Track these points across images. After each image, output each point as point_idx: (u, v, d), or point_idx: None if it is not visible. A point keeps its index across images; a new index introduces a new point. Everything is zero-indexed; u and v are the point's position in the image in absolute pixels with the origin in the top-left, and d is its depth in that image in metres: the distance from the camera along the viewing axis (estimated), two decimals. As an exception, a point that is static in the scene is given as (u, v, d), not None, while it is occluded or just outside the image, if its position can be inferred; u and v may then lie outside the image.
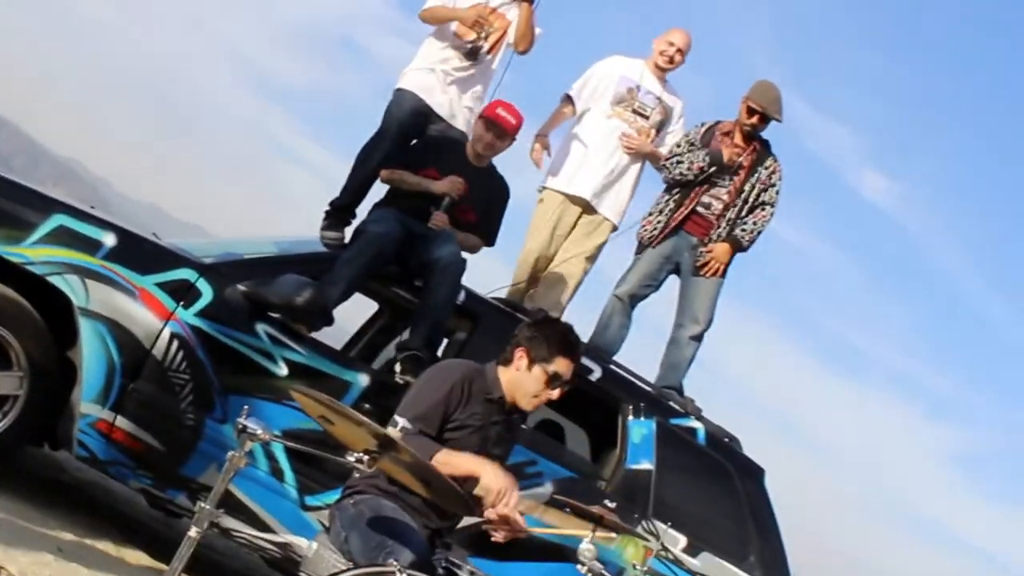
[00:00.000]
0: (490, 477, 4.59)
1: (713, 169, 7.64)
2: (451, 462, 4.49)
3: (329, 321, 6.21)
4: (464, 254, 6.57)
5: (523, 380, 4.88)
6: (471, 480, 4.57)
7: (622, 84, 7.90)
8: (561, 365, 4.88)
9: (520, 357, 4.88)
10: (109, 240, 5.87)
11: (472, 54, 7.18)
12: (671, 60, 7.93)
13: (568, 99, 8.03)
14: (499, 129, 6.85)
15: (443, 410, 4.70)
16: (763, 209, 7.74)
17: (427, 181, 6.74)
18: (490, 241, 6.99)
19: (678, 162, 7.72)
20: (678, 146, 7.83)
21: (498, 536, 4.76)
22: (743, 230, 7.66)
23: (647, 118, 7.87)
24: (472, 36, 7.17)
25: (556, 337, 4.94)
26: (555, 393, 4.91)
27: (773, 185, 7.77)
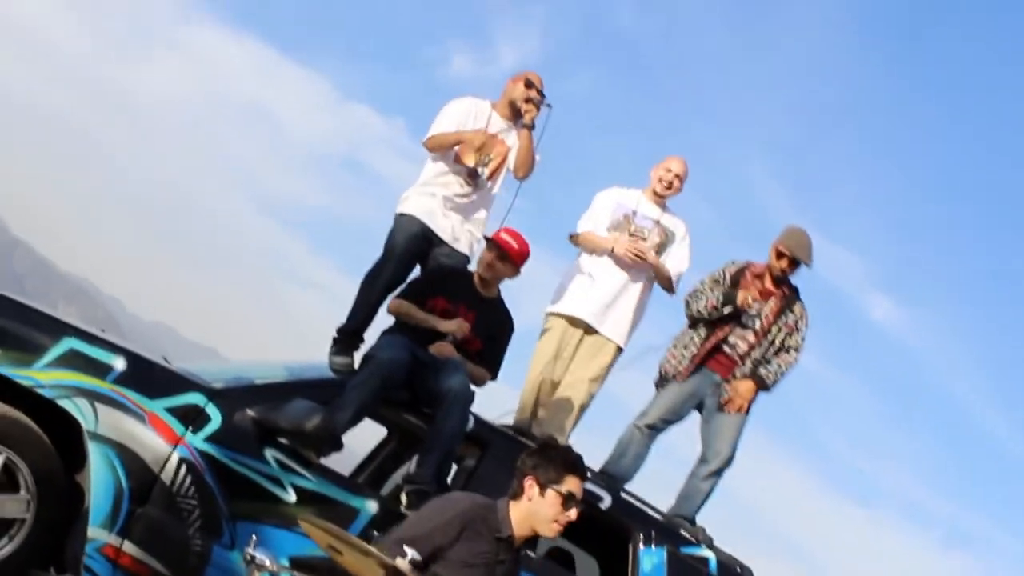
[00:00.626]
0: None
1: (728, 310, 7.67)
2: None
3: (338, 447, 6.20)
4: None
5: (538, 508, 4.84)
6: None
7: (618, 211, 7.94)
8: (572, 484, 4.86)
9: (530, 486, 4.85)
10: (119, 364, 5.87)
11: (472, 178, 7.23)
12: (669, 186, 7.95)
13: (572, 238, 8.07)
14: (500, 251, 6.88)
15: (434, 541, 4.61)
16: (788, 353, 7.77)
17: (434, 319, 6.74)
18: (494, 373, 6.96)
19: (697, 298, 7.77)
20: (702, 283, 7.88)
21: None
22: (767, 370, 7.67)
23: (644, 240, 7.87)
24: (472, 162, 7.22)
25: (560, 458, 4.92)
26: (573, 514, 4.87)
27: (799, 330, 7.80)
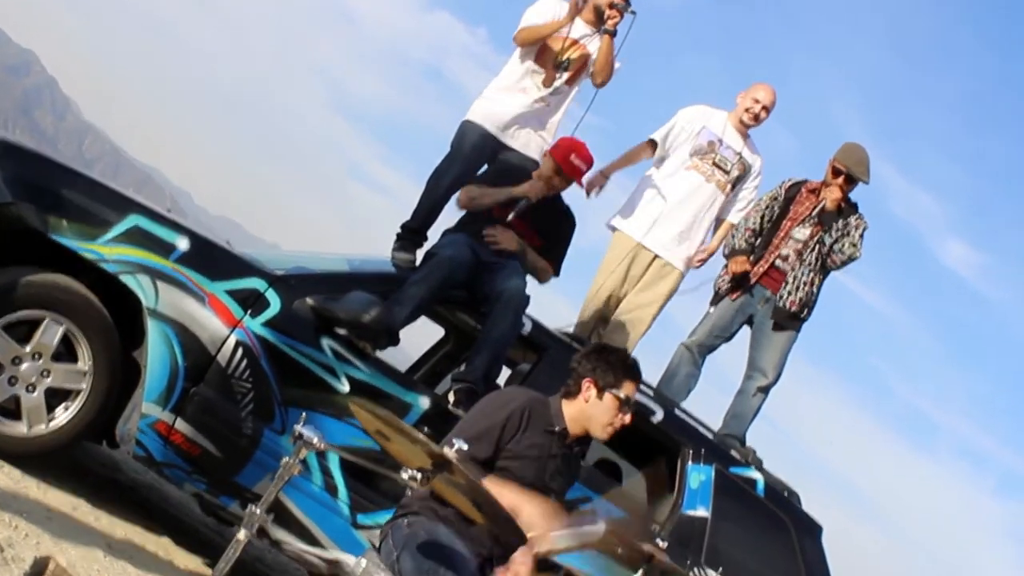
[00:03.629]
0: (527, 517, 4.48)
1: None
2: (495, 492, 4.44)
3: (395, 341, 6.24)
4: (531, 283, 6.62)
5: (594, 411, 4.88)
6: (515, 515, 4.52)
7: (703, 136, 7.89)
8: (629, 388, 4.91)
9: (588, 388, 4.87)
10: (182, 244, 5.93)
11: (549, 82, 7.22)
12: (756, 117, 7.90)
13: (651, 144, 8.01)
14: (567, 177, 6.90)
15: (497, 436, 4.68)
16: (847, 246, 7.66)
17: (505, 189, 6.80)
18: (556, 268, 6.99)
19: (733, 235, 7.86)
20: (760, 203, 7.85)
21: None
22: (832, 251, 7.64)
23: (727, 172, 7.86)
24: (551, 66, 7.21)
25: (620, 362, 4.96)
26: (628, 418, 4.92)
27: (854, 232, 7.67)
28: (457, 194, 6.93)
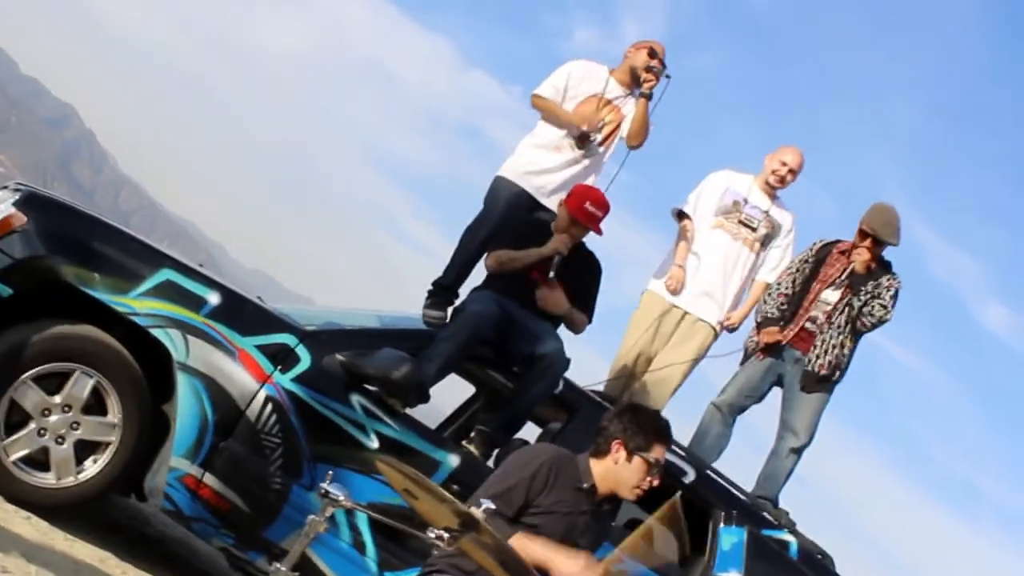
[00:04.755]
0: (563, 566, 4.50)
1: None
2: (525, 547, 4.40)
3: (425, 398, 6.23)
4: (565, 335, 6.62)
5: (622, 472, 4.84)
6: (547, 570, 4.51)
7: (727, 196, 7.94)
8: (659, 452, 4.87)
9: (617, 449, 4.83)
10: (213, 299, 5.96)
11: (583, 142, 7.23)
12: (782, 180, 7.95)
13: (686, 215, 8.04)
14: (583, 226, 6.83)
15: (525, 493, 4.65)
16: (874, 307, 7.59)
17: (534, 251, 6.78)
18: (589, 316, 6.96)
19: (765, 301, 7.81)
20: (791, 266, 7.84)
21: None
22: (862, 313, 7.58)
23: (754, 230, 7.89)
24: (586, 126, 7.22)
25: (650, 424, 4.92)
26: (656, 480, 4.88)
27: (885, 293, 7.60)
28: (486, 258, 6.92)
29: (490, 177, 7.36)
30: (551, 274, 6.75)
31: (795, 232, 8.10)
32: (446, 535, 3.79)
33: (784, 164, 7.92)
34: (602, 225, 6.90)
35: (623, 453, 4.83)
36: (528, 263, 6.77)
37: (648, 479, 4.86)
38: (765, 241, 7.94)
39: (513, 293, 6.66)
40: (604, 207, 6.91)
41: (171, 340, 5.79)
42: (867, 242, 7.61)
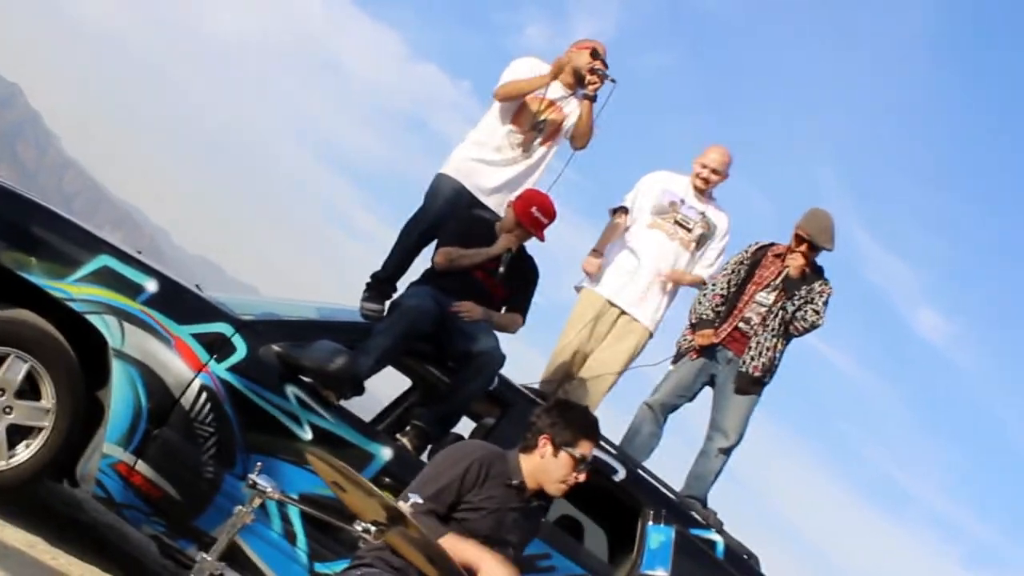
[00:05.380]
0: (491, 568, 4.49)
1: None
2: (454, 548, 4.39)
3: (360, 390, 6.25)
4: (502, 337, 6.64)
5: (549, 466, 4.85)
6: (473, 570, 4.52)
7: (664, 197, 7.98)
8: (585, 448, 4.87)
9: (544, 444, 4.85)
10: (151, 286, 5.95)
11: (527, 144, 7.26)
12: (706, 181, 7.97)
13: (623, 210, 8.09)
14: (527, 230, 6.88)
15: (456, 490, 4.65)
16: (810, 313, 7.66)
17: (484, 250, 6.82)
18: (523, 317, 7.01)
19: (703, 297, 7.85)
20: (726, 267, 7.90)
21: None
22: (795, 318, 7.66)
23: (689, 230, 7.93)
24: (527, 127, 7.25)
25: (578, 420, 4.93)
26: (582, 476, 4.88)
27: (818, 299, 7.67)
28: (435, 256, 6.91)
29: (437, 170, 7.35)
30: (501, 269, 6.79)
31: (730, 233, 8.14)
32: (373, 528, 3.80)
33: (705, 166, 7.96)
34: (546, 232, 6.96)
35: (550, 448, 4.84)
36: (477, 261, 6.79)
37: (574, 475, 4.87)
38: (700, 241, 7.98)
39: (451, 289, 6.68)
40: (550, 214, 6.94)
41: (107, 326, 5.78)
42: (802, 247, 7.67)
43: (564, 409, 5.06)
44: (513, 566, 4.61)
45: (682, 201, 7.97)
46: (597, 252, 8.01)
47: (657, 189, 8.02)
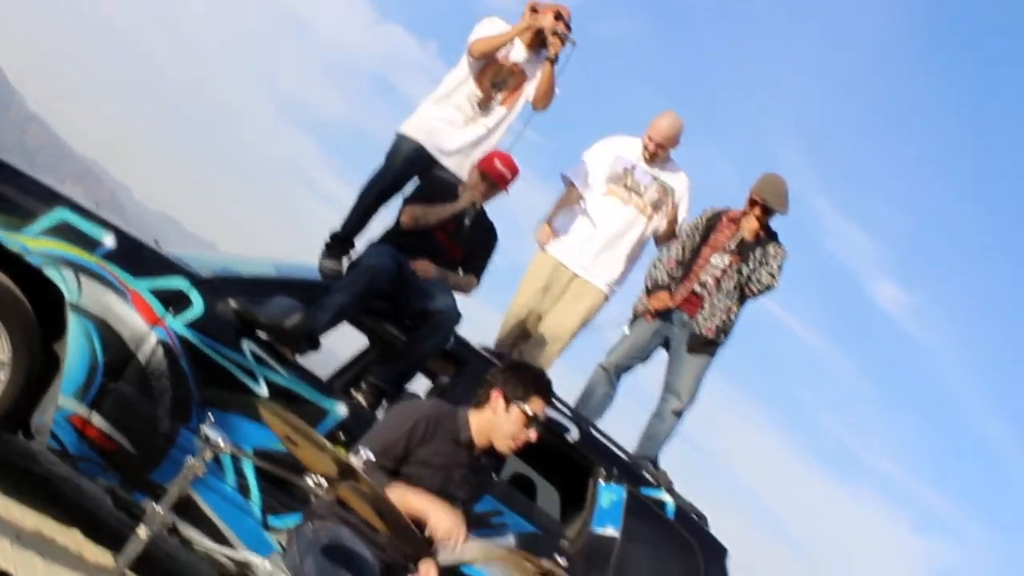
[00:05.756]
0: (437, 520, 4.52)
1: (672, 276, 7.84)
2: (402, 499, 4.42)
3: (315, 346, 6.28)
4: (459, 297, 6.68)
5: (500, 422, 4.87)
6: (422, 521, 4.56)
7: (618, 164, 8.01)
8: (537, 405, 4.89)
9: (496, 399, 4.88)
10: (109, 240, 5.94)
11: (486, 103, 7.29)
12: (653, 155, 7.99)
13: (570, 182, 8.13)
14: (492, 182, 6.99)
15: (404, 445, 4.69)
16: (765, 275, 7.76)
17: (448, 206, 6.88)
18: (478, 279, 7.09)
19: (655, 267, 7.95)
20: (682, 233, 7.97)
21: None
22: (750, 280, 7.74)
23: (641, 195, 7.97)
24: (488, 86, 7.29)
25: (531, 378, 4.96)
26: (533, 435, 4.90)
27: (772, 261, 7.78)
28: (400, 216, 6.96)
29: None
30: (466, 222, 6.86)
31: (689, 196, 8.17)
32: (324, 482, 3.84)
33: (651, 139, 7.98)
34: (510, 187, 7.03)
35: (502, 403, 4.88)
36: (443, 218, 6.84)
37: (525, 432, 4.90)
38: (657, 206, 8.01)
39: (410, 248, 6.72)
40: (513, 169, 7.04)
41: (64, 280, 5.76)
42: (756, 210, 7.75)
43: (518, 367, 5.13)
44: (460, 514, 4.66)
45: (634, 167, 8.01)
46: (548, 223, 8.05)
47: (610, 156, 8.06)
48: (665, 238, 8.09)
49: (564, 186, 8.19)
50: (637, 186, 7.96)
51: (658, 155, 8.00)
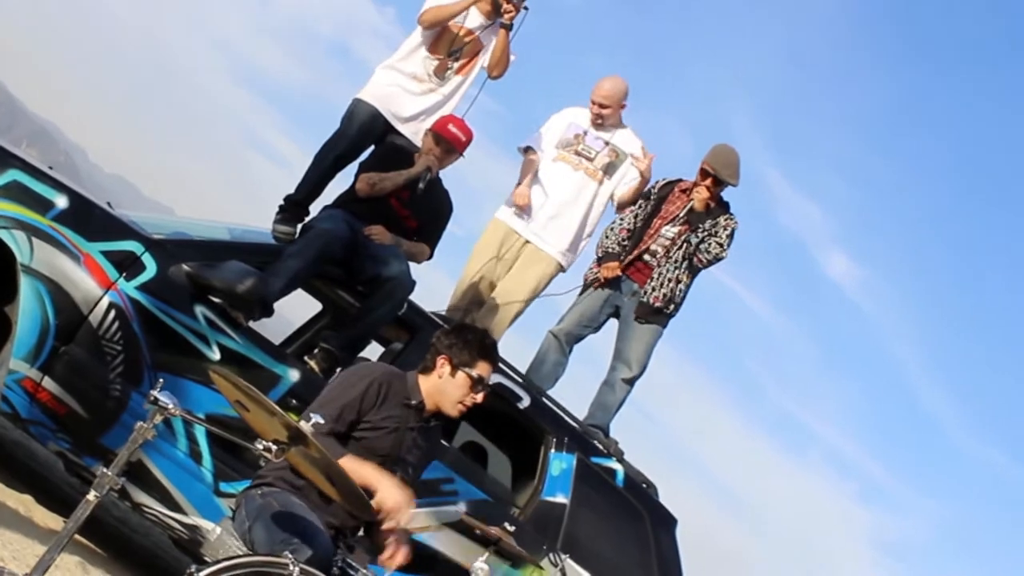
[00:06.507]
0: (385, 492, 4.55)
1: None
2: (352, 469, 4.41)
3: (268, 312, 6.25)
4: (412, 265, 6.67)
5: (447, 386, 4.92)
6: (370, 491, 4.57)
7: (569, 131, 8.03)
8: (483, 369, 4.95)
9: (442, 364, 4.93)
10: (61, 202, 5.88)
11: (441, 70, 7.28)
12: (599, 116, 7.98)
13: (529, 150, 8.10)
14: (447, 144, 6.98)
15: (356, 409, 4.72)
16: (714, 245, 7.79)
17: (403, 172, 6.86)
18: (431, 249, 7.07)
19: (606, 236, 8.00)
20: (610, 227, 8.02)
21: (385, 555, 4.70)
22: (699, 250, 7.76)
23: (591, 160, 7.95)
24: (444, 53, 7.27)
25: (476, 342, 5.00)
26: (479, 397, 4.95)
27: (722, 232, 7.81)
28: (356, 183, 6.93)
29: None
30: (420, 186, 6.82)
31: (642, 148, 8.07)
32: (274, 447, 3.84)
33: (594, 102, 7.98)
34: (465, 151, 7.03)
35: (448, 368, 4.92)
36: (399, 183, 6.82)
37: (472, 395, 4.95)
38: (609, 170, 7.99)
39: (364, 214, 6.70)
40: (468, 133, 7.05)
41: (15, 241, 5.70)
42: (707, 181, 7.79)
43: (463, 330, 5.13)
44: (408, 489, 4.68)
45: (585, 133, 8.01)
46: (524, 185, 8.01)
47: (564, 124, 8.08)
48: (629, 203, 8.06)
49: (523, 157, 8.16)
50: (588, 151, 7.95)
51: (603, 117, 7.98)
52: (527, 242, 7.94)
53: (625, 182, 8.05)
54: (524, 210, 7.93)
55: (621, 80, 8.07)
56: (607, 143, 8.00)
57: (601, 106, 7.96)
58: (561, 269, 8.04)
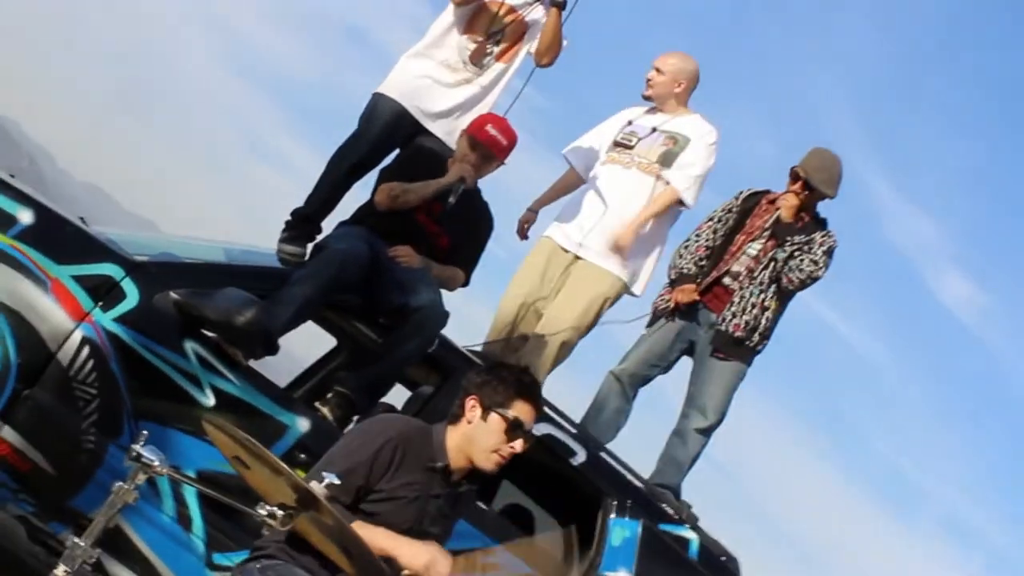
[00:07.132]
0: (408, 554, 4.53)
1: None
2: (367, 533, 4.39)
3: (272, 349, 6.23)
4: (444, 293, 6.65)
5: (478, 434, 4.87)
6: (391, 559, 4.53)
7: (626, 130, 7.90)
8: (521, 410, 4.88)
9: (472, 407, 4.88)
10: (25, 217, 5.92)
11: (478, 56, 7.24)
12: (648, 82, 7.85)
13: (569, 163, 8.09)
14: (485, 149, 6.95)
15: (365, 476, 4.67)
16: (807, 263, 7.70)
17: (433, 182, 6.83)
18: (467, 275, 7.06)
19: (679, 255, 7.97)
20: (713, 215, 7.93)
21: None
22: (788, 268, 7.70)
23: (644, 154, 7.74)
24: (482, 37, 7.24)
25: (512, 378, 4.95)
26: (518, 446, 4.88)
27: (817, 248, 7.73)
28: (375, 195, 6.94)
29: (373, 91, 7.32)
30: (451, 200, 6.80)
31: (713, 140, 7.87)
32: (279, 513, 3.82)
33: (653, 68, 7.88)
34: (507, 158, 7.02)
35: (479, 411, 4.87)
36: (426, 196, 6.80)
37: (509, 444, 4.87)
38: (666, 160, 7.73)
39: (387, 232, 6.69)
40: (510, 135, 7.01)
41: (-31, 265, 5.75)
42: (797, 186, 7.73)
43: (496, 368, 5.10)
44: (434, 544, 4.64)
45: (630, 122, 7.93)
46: (532, 212, 8.05)
47: (623, 121, 7.99)
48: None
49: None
50: (628, 139, 7.83)
51: (652, 83, 7.86)
52: (577, 258, 7.73)
53: (683, 174, 7.75)
54: (524, 227, 7.98)
55: (691, 58, 7.97)
56: (656, 128, 7.80)
57: (657, 71, 7.84)
58: (626, 288, 7.79)
